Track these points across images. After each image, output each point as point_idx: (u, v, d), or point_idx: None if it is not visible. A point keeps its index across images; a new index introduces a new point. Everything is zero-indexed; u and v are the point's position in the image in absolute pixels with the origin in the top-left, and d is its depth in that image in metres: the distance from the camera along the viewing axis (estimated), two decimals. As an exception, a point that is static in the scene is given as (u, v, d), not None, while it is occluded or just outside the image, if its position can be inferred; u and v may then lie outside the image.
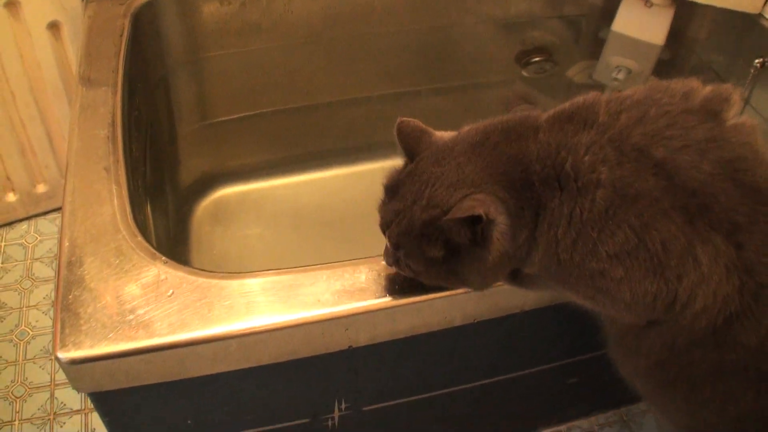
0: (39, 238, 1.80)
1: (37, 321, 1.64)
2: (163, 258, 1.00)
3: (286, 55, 1.76)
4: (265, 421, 1.13)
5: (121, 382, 0.94)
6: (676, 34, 1.82)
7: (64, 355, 0.89)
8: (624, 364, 1.01)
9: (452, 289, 0.97)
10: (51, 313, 1.65)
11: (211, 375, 0.98)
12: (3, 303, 1.69)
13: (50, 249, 1.77)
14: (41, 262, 1.75)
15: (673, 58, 1.90)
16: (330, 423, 1.17)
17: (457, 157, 0.88)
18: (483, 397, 1.29)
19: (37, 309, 1.66)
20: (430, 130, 0.95)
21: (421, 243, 0.88)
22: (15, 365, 1.56)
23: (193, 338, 0.92)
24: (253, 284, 0.98)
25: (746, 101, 1.67)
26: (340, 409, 1.15)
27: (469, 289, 0.97)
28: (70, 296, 0.94)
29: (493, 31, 1.96)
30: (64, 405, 1.49)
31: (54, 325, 0.92)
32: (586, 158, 0.83)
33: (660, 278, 0.82)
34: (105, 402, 1.00)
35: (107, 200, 1.07)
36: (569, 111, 0.88)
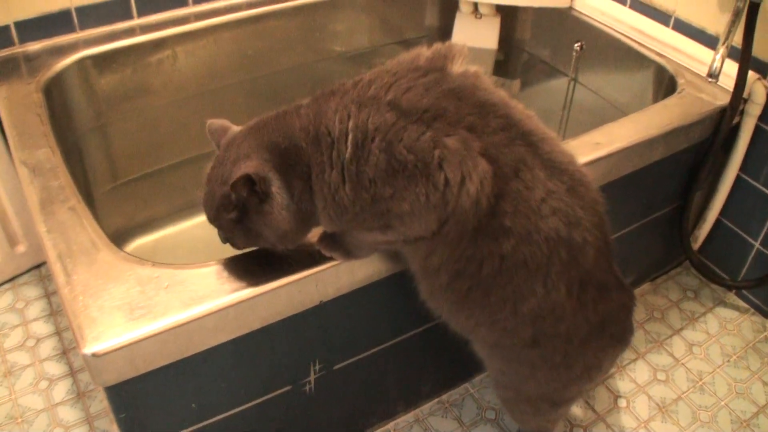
0: None
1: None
2: (150, 261, 1.16)
3: (178, 109, 1.94)
4: (255, 393, 1.29)
5: (140, 367, 1.08)
6: (506, 38, 2.18)
7: (89, 350, 1.02)
8: (431, 297, 1.17)
9: (270, 247, 1.15)
10: (63, 360, 1.73)
11: (211, 349, 1.14)
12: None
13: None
14: None
15: (507, 57, 2.25)
16: (307, 388, 1.35)
17: (240, 140, 1.11)
18: (430, 344, 1.49)
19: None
20: (232, 126, 1.17)
21: (222, 213, 1.10)
22: (46, 411, 1.63)
23: (199, 313, 1.08)
24: (231, 267, 1.16)
25: (575, 80, 2.01)
26: (315, 371, 1.33)
27: (279, 248, 1.14)
28: (79, 303, 1.08)
29: (342, 64, 2.23)
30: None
31: (71, 328, 1.06)
32: (336, 116, 1.03)
33: (422, 177, 0.97)
34: (122, 395, 1.12)
35: (82, 231, 1.22)
36: (325, 90, 1.09)
